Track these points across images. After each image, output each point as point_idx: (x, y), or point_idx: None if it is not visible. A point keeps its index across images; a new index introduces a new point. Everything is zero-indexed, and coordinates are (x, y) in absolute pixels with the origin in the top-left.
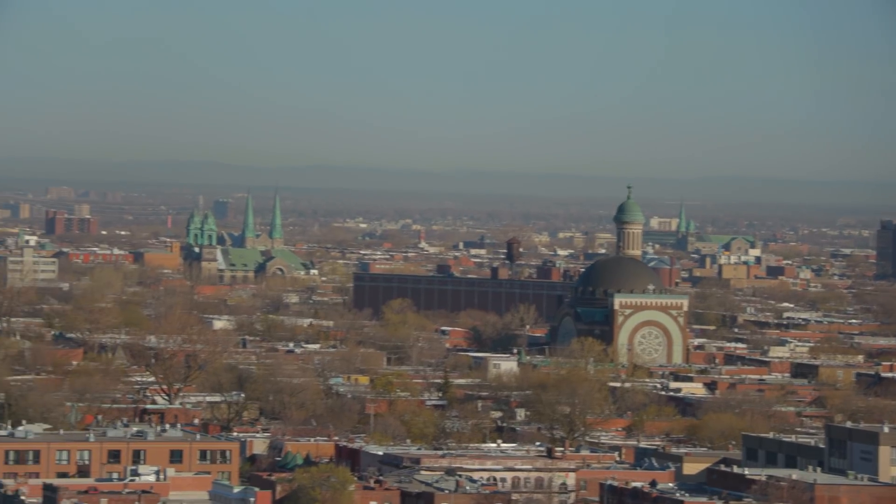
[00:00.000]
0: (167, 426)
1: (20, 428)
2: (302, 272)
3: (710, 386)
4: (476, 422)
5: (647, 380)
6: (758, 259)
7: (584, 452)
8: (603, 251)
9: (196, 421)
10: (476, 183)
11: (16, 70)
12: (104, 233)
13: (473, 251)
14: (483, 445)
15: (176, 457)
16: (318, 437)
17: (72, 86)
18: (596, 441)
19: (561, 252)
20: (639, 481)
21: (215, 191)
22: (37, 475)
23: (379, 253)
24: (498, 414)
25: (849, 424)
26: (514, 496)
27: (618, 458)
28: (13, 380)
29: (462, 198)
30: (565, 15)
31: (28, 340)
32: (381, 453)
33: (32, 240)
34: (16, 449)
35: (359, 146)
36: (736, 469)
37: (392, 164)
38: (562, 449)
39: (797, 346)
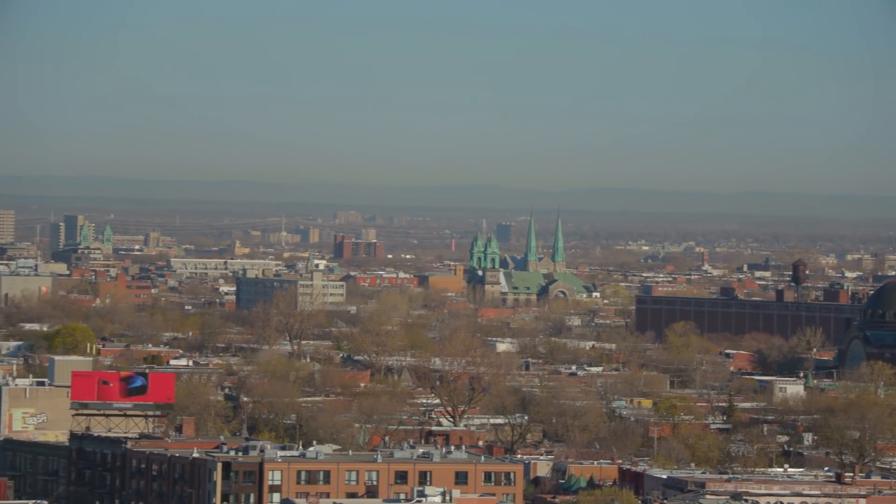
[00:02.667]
0: (452, 448)
1: (311, 448)
2: (584, 295)
3: None
4: (762, 446)
5: None
6: None
7: (875, 478)
8: (893, 273)
9: (480, 443)
10: (760, 204)
11: (308, 100)
12: (390, 256)
13: (758, 273)
14: (769, 470)
15: (461, 478)
16: (601, 460)
17: (359, 114)
18: (887, 467)
19: (849, 274)
20: None
21: (498, 214)
22: (327, 495)
23: (661, 275)
24: (784, 438)
25: None
26: None
27: None
28: (304, 401)
29: (746, 219)
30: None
31: (318, 363)
32: (664, 477)
33: (322, 264)
34: (307, 469)
35: (642, 169)
36: None
37: (675, 186)
38: (851, 474)
39: None
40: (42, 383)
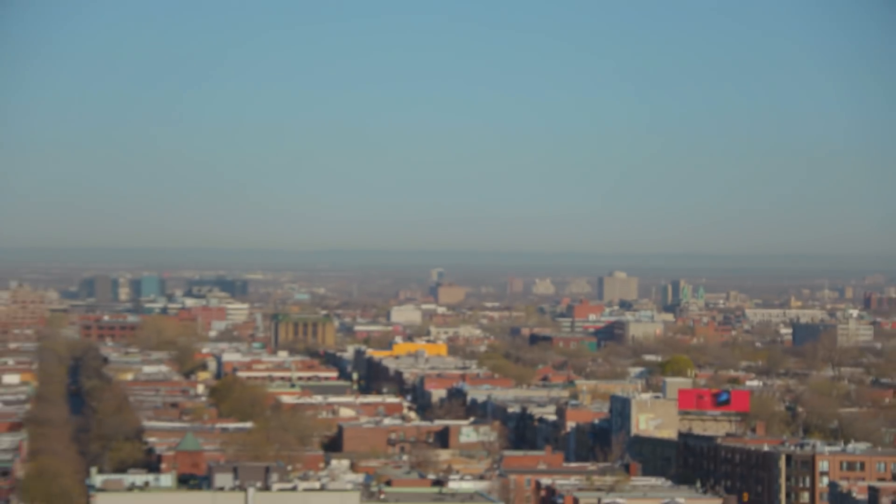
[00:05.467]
0: None
1: (850, 445)
2: None
3: None
4: None
5: None
6: None
7: None
8: None
9: None
10: None
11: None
12: None
13: None
14: None
15: None
16: None
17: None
18: None
19: None
20: None
21: None
22: (863, 479)
23: None
24: None
25: None
26: None
27: None
28: (844, 411)
29: None
30: None
31: (853, 384)
32: None
33: (854, 313)
34: (849, 461)
35: None
36: None
37: None
38: None
39: None
40: (657, 397)
